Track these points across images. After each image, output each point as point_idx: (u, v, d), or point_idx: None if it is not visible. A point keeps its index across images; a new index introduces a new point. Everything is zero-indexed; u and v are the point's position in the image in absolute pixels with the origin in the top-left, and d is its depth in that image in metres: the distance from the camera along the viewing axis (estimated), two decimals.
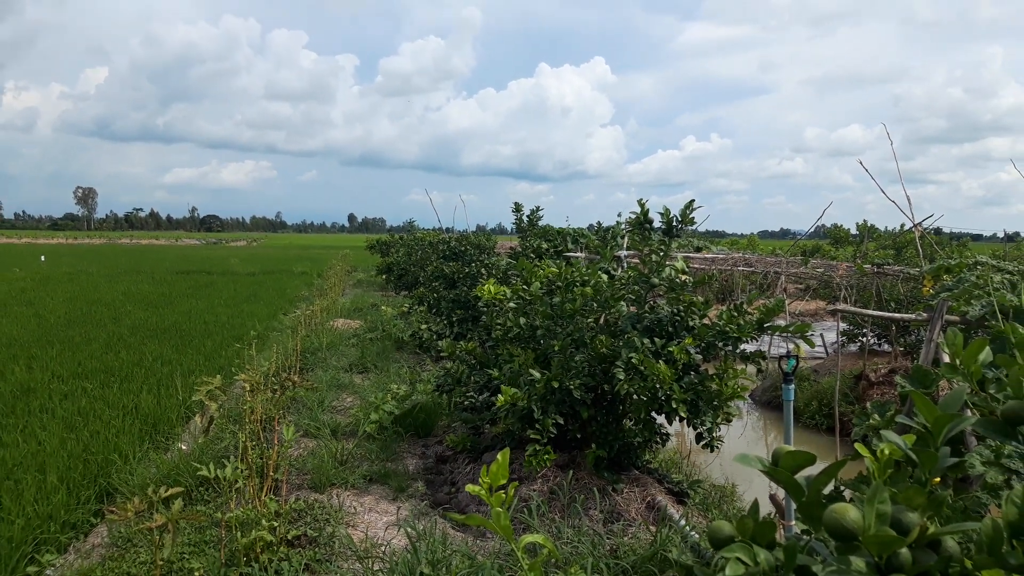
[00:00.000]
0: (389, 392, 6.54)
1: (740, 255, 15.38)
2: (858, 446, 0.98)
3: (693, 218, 3.91)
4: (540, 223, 9.31)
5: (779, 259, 14.20)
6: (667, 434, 4.50)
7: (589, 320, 4.51)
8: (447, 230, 13.41)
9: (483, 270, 8.40)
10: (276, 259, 36.83)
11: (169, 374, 7.57)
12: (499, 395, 3.94)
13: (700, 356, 3.96)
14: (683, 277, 4.02)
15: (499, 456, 0.90)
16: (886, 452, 0.91)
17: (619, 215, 7.86)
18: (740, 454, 1.06)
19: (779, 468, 0.96)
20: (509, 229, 9.50)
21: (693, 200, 3.90)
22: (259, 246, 70.55)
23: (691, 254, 15.15)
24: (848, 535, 0.79)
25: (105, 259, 33.52)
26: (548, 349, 4.26)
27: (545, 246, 9.54)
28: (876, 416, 1.96)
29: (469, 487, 0.87)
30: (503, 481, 0.87)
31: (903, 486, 0.89)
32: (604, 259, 4.68)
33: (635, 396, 3.85)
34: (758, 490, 5.26)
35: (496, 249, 13.74)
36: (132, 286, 18.71)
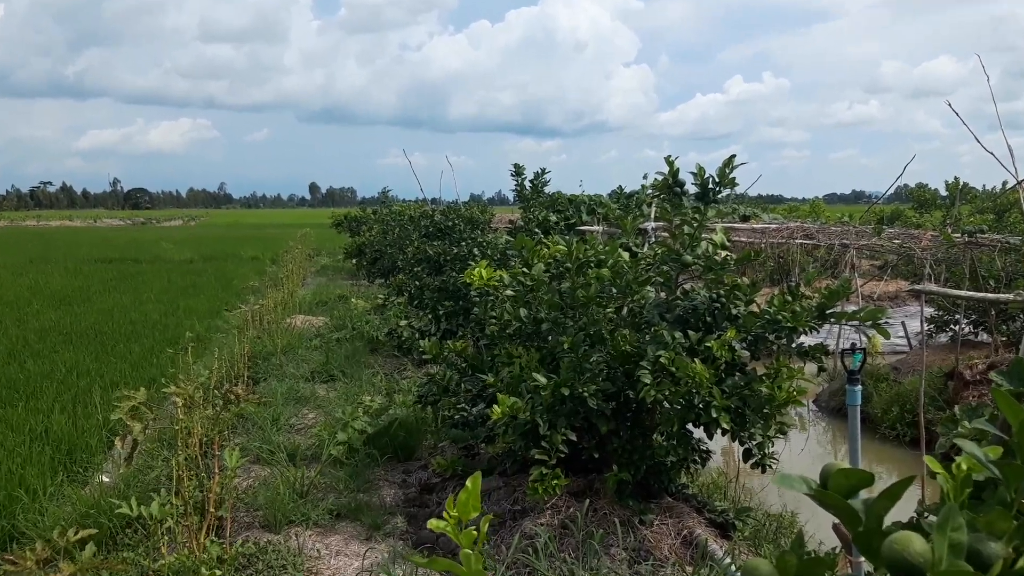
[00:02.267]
0: (360, 406, 6.53)
1: (798, 224, 15.34)
2: (928, 460, 0.97)
3: (734, 179, 3.88)
4: (547, 190, 9.30)
5: (848, 228, 14.15)
6: (707, 451, 4.50)
7: (607, 310, 4.50)
8: (432, 201, 13.38)
9: (476, 250, 8.39)
10: (220, 242, 36.91)
11: (87, 388, 7.60)
12: (495, 406, 3.94)
13: (747, 352, 3.95)
14: (724, 254, 4.00)
15: (468, 483, 0.89)
16: (963, 467, 0.89)
17: (644, 177, 7.81)
18: (780, 474, 1.04)
19: (828, 491, 0.94)
20: (510, 198, 9.48)
21: (733, 156, 3.87)
22: (198, 226, 70.72)
23: (736, 224, 15.09)
24: (912, 571, 0.78)
25: (5, 246, 33.61)
26: (556, 347, 4.26)
27: (553, 218, 9.56)
28: (966, 423, 1.94)
29: (432, 523, 0.85)
30: (474, 514, 0.86)
31: (985, 509, 0.87)
32: (626, 233, 4.66)
33: (665, 404, 3.84)
34: (824, 519, 5.27)
35: (493, 223, 13.74)
36: (40, 279, 18.78)
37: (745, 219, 18.12)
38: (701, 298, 4.06)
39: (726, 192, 4.13)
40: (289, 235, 31.78)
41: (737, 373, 3.95)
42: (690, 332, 3.88)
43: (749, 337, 3.94)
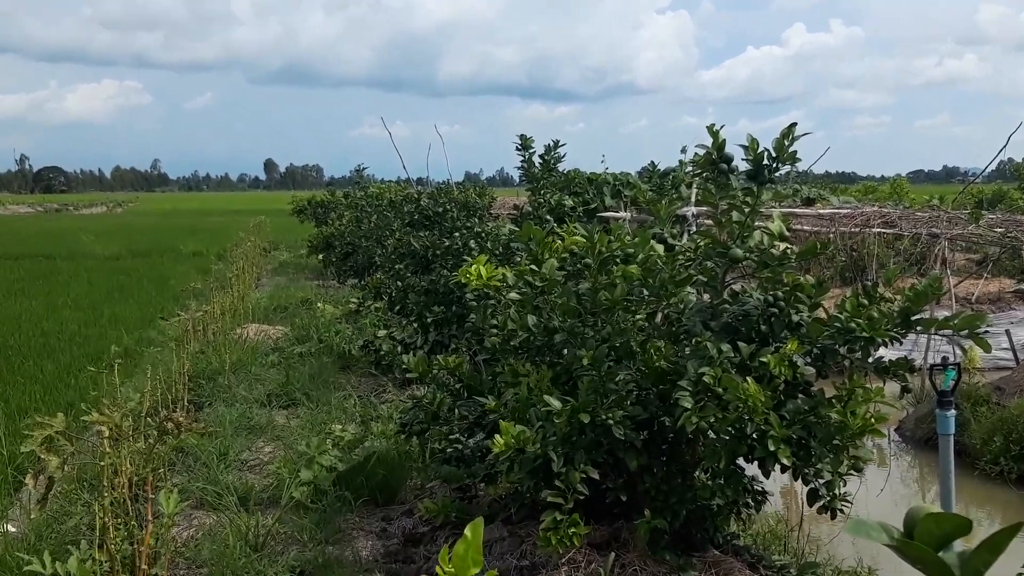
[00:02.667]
0: (329, 437, 6.53)
1: (875, 209, 15.33)
2: None
3: (794, 153, 3.88)
4: (561, 167, 9.31)
5: (938, 213, 14.15)
6: (763, 492, 4.49)
7: (637, 317, 4.50)
8: (417, 182, 13.39)
9: (473, 242, 8.42)
10: (153, 233, 37.03)
11: None
12: (497, 436, 3.94)
13: (811, 370, 3.95)
14: (782, 246, 4.00)
15: (467, 532, 0.89)
16: None
17: (682, 151, 7.81)
18: (854, 520, 1.05)
19: (914, 540, 0.95)
20: (515, 178, 9.50)
21: (794, 125, 3.86)
22: (127, 213, 70.97)
23: (797, 210, 15.09)
24: None
25: None
26: (572, 364, 4.26)
27: (569, 203, 9.58)
28: None
29: None
30: (474, 570, 0.87)
31: None
32: (660, 221, 4.67)
33: (710, 434, 3.84)
34: None
35: (494, 209, 13.74)
36: None
37: (809, 203, 18.12)
38: (754, 301, 4.05)
39: (785, 169, 4.13)
40: (240, 224, 31.85)
41: (800, 395, 3.94)
42: (741, 344, 3.87)
43: (814, 350, 3.93)
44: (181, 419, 4.86)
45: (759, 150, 3.97)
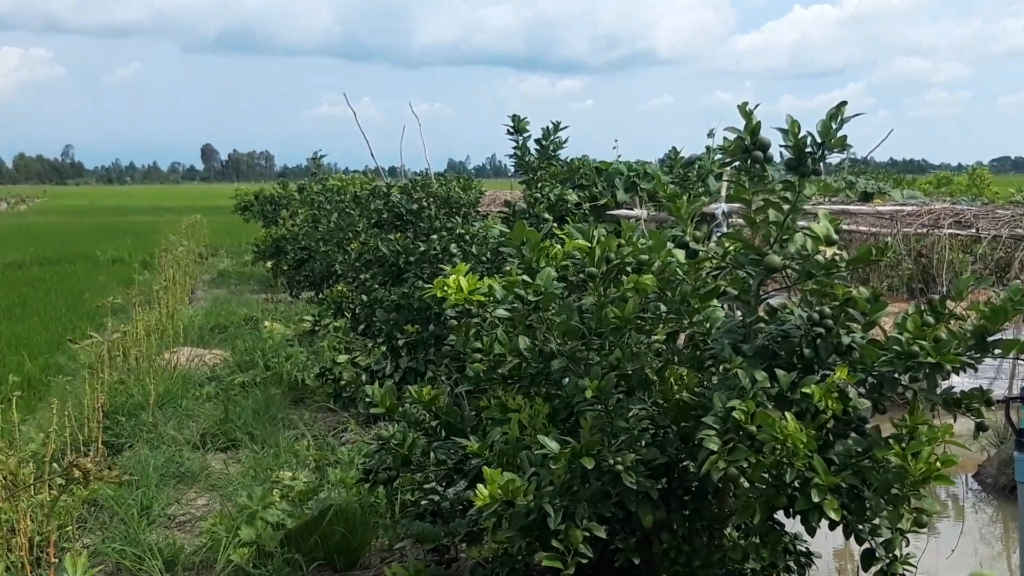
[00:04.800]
0: (277, 486, 6.51)
1: (946, 206, 15.35)
2: None
3: (844, 138, 3.89)
4: (563, 154, 9.32)
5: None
6: (808, 553, 4.48)
7: (653, 339, 4.49)
8: (388, 173, 13.34)
9: (454, 247, 8.42)
10: (64, 236, 36.97)
11: None
12: (481, 486, 3.93)
13: (866, 402, 3.94)
14: (830, 251, 4.00)
15: None
16: None
17: (709, 135, 7.80)
18: None
19: None
20: (508, 167, 9.50)
21: (844, 104, 3.86)
22: (32, 211, 70.80)
23: (851, 206, 15.11)
24: None
25: None
26: (574, 396, 4.25)
27: (573, 198, 9.57)
28: None
29: None
30: None
31: None
32: (681, 220, 4.66)
33: (743, 482, 3.83)
34: None
35: (483, 205, 13.68)
36: None
37: (866, 197, 18.16)
38: (796, 319, 4.05)
39: (836, 158, 4.14)
40: (170, 225, 31.84)
41: (852, 434, 3.93)
42: (779, 372, 3.87)
43: (869, 379, 3.92)
44: (93, 465, 4.84)
45: (801, 135, 3.97)
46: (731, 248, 4.30)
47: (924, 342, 3.79)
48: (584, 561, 3.93)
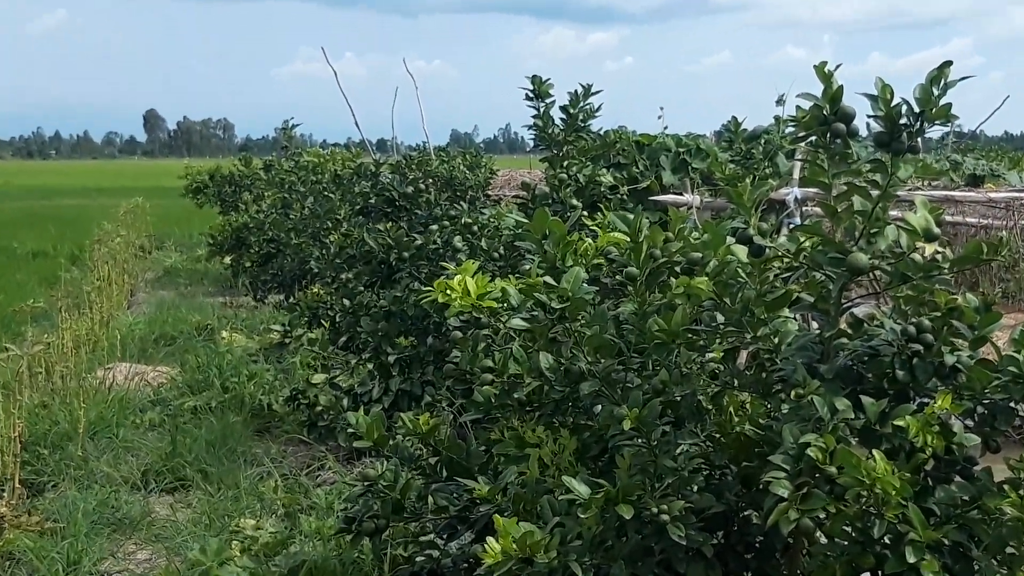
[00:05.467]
0: (237, 537, 6.51)
1: None
2: None
3: (949, 106, 3.87)
4: (596, 124, 9.31)
5: None
6: None
7: (707, 357, 4.48)
8: (378, 148, 13.36)
9: (459, 239, 8.41)
10: None
11: None
12: (491, 540, 3.93)
13: (974, 438, 3.92)
14: (930, 248, 3.98)
15: None
16: None
17: (778, 102, 7.76)
18: None
19: None
20: (526, 142, 9.51)
21: (947, 64, 3.84)
22: None
23: (956, 192, 15.06)
24: None
25: None
26: (608, 427, 4.25)
27: (607, 179, 9.55)
28: None
29: None
30: None
31: None
32: (743, 209, 4.65)
33: (819, 536, 3.82)
34: None
35: (495, 187, 13.62)
36: None
37: (975, 181, 18.08)
38: (886, 333, 4.03)
39: (936, 131, 4.12)
40: (105, 210, 31.87)
41: (956, 477, 3.92)
42: (865, 399, 3.85)
43: (979, 408, 3.90)
44: (8, 509, 4.87)
45: (894, 104, 3.96)
46: (806, 244, 4.28)
47: None
48: None
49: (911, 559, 3.64)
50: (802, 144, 4.42)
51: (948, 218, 11.41)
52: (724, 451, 4.23)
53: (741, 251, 4.28)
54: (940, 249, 4.06)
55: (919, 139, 4.10)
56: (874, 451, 3.66)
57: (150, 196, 40.09)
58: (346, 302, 9.03)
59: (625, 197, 9.58)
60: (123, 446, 9.28)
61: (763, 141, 12.05)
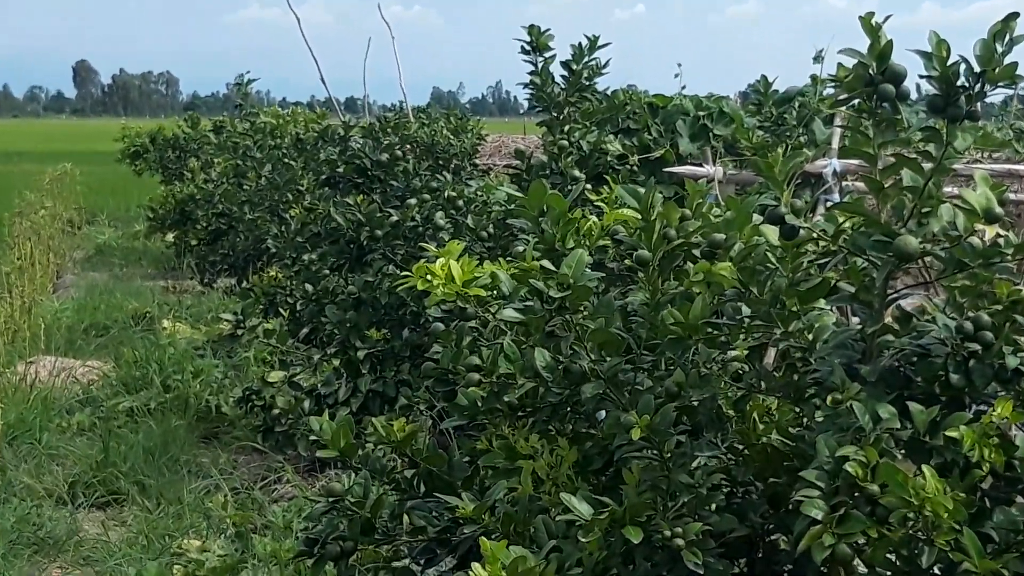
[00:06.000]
0: (179, 560, 6.52)
1: None
2: None
3: (1015, 65, 3.86)
4: (602, 83, 9.32)
5: None
6: None
7: (730, 355, 4.48)
8: (346, 108, 13.30)
9: (443, 215, 8.41)
10: None
11: None
12: (476, 566, 3.93)
13: None
14: (990, 232, 3.98)
15: None
16: None
17: (816, 59, 7.73)
18: None
19: None
20: (521, 103, 9.54)
21: (1014, 16, 3.83)
22: None
23: (1020, 165, 15.07)
24: None
25: None
26: (613, 436, 4.26)
27: (615, 147, 9.57)
28: None
29: None
30: None
31: None
32: (774, 183, 4.65)
33: (856, 565, 3.83)
34: None
35: (484, 154, 13.57)
36: None
37: None
38: (939, 330, 4.04)
39: (998, 95, 4.12)
40: (26, 177, 31.80)
41: (1017, 498, 3.92)
42: (913, 406, 3.86)
43: None
44: None
45: (951, 60, 3.96)
46: (846, 225, 4.28)
47: None
48: None
49: None
50: (843, 108, 4.42)
51: (1012, 196, 11.40)
52: (748, 465, 4.24)
53: (771, 232, 4.27)
54: (1003, 232, 4.06)
55: (979, 104, 4.10)
56: (923, 467, 3.66)
57: (80, 161, 40.03)
58: (309, 288, 9.04)
59: (636, 168, 9.59)
60: (47, 453, 9.29)
61: (797, 104, 12.05)
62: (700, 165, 10.13)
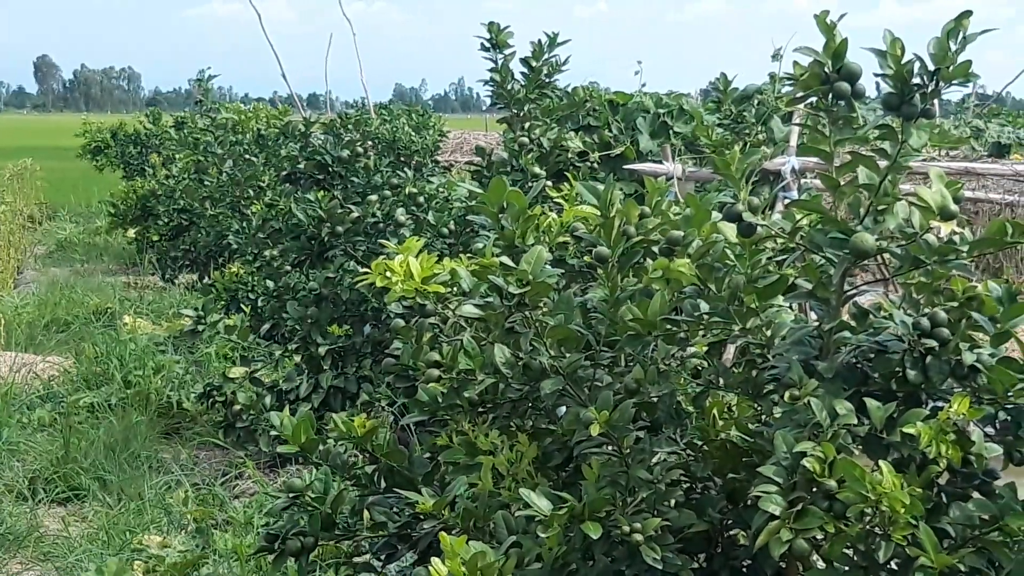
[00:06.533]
0: (139, 556, 6.49)
1: None
2: None
3: (968, 64, 3.86)
4: (562, 80, 9.32)
5: None
6: None
7: (689, 351, 4.49)
8: (307, 104, 13.28)
9: (403, 212, 8.40)
10: None
11: None
12: (436, 560, 3.93)
13: (996, 448, 3.95)
14: (946, 228, 3.99)
15: None
16: None
17: (775, 57, 7.77)
18: None
19: None
20: (483, 99, 9.54)
21: (967, 14, 3.82)
22: None
23: (977, 164, 15.18)
24: None
25: None
26: (573, 432, 4.25)
27: (576, 144, 9.57)
28: None
29: None
30: None
31: None
32: (732, 180, 4.66)
33: (814, 560, 3.84)
34: None
35: (446, 151, 13.57)
36: None
37: (1000, 151, 18.21)
38: (895, 327, 4.05)
39: (954, 93, 4.13)
40: None
41: (975, 493, 3.94)
42: (870, 402, 3.86)
43: (1001, 414, 3.91)
44: None
45: (906, 58, 3.97)
46: (804, 222, 4.29)
47: None
48: None
49: None
50: (800, 106, 4.43)
51: (968, 193, 11.47)
52: (707, 461, 4.24)
53: (729, 229, 4.27)
54: (958, 229, 4.07)
55: (935, 102, 4.11)
56: (880, 462, 3.67)
57: (41, 157, 39.92)
58: (270, 284, 9.02)
59: (596, 165, 9.58)
60: (7, 449, 9.24)
61: (756, 102, 12.08)
62: (660, 162, 10.15)
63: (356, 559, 5.46)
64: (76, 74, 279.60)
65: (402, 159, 9.58)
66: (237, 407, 8.77)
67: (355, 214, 8.57)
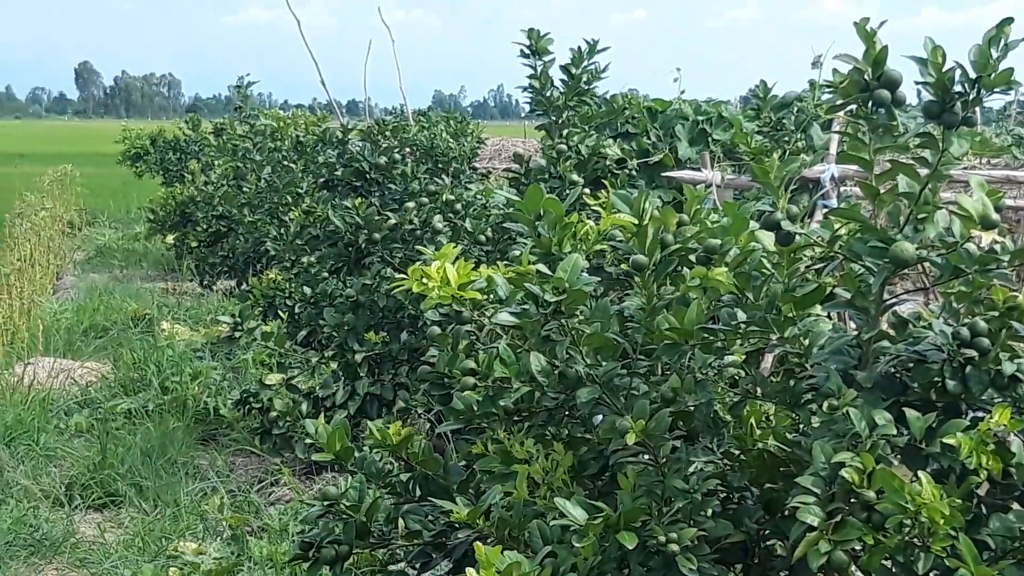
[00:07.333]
0: (175, 563, 6.50)
1: None
2: None
3: (1011, 71, 3.81)
4: (601, 87, 9.30)
5: None
6: None
7: (726, 360, 4.47)
8: (345, 111, 13.30)
9: (441, 219, 8.39)
10: None
11: None
12: (470, 571, 3.91)
13: None
14: (987, 237, 3.96)
15: None
16: None
17: (814, 64, 7.73)
18: None
19: None
20: (522, 106, 9.55)
21: (1008, 21, 3.78)
22: None
23: (1017, 171, 15.08)
24: None
25: None
26: (609, 441, 4.24)
27: (614, 151, 9.55)
28: None
29: None
30: None
31: None
32: (771, 188, 4.64)
33: (853, 572, 3.81)
34: None
35: (484, 158, 13.54)
36: None
37: None
38: (935, 336, 4.02)
39: (996, 100, 4.10)
40: (27, 179, 31.73)
41: (1014, 504, 3.90)
42: (910, 413, 3.84)
43: None
44: None
45: (947, 66, 3.94)
46: (843, 231, 4.26)
47: None
48: None
49: None
50: (840, 114, 4.41)
51: (1009, 202, 11.39)
52: (744, 471, 4.22)
53: (767, 238, 4.25)
54: (999, 238, 4.04)
55: (976, 109, 4.08)
56: (919, 473, 3.65)
57: (81, 163, 40.09)
58: (307, 290, 9.03)
59: (634, 172, 9.59)
60: (44, 454, 9.27)
61: (795, 110, 12.03)
62: (699, 170, 10.12)
63: (391, 567, 5.45)
64: (117, 81, 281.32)
65: (440, 166, 9.57)
66: (273, 414, 8.76)
67: (392, 221, 8.57)
